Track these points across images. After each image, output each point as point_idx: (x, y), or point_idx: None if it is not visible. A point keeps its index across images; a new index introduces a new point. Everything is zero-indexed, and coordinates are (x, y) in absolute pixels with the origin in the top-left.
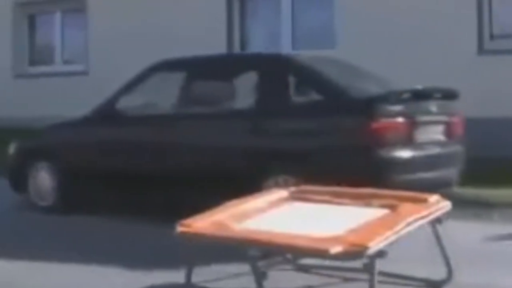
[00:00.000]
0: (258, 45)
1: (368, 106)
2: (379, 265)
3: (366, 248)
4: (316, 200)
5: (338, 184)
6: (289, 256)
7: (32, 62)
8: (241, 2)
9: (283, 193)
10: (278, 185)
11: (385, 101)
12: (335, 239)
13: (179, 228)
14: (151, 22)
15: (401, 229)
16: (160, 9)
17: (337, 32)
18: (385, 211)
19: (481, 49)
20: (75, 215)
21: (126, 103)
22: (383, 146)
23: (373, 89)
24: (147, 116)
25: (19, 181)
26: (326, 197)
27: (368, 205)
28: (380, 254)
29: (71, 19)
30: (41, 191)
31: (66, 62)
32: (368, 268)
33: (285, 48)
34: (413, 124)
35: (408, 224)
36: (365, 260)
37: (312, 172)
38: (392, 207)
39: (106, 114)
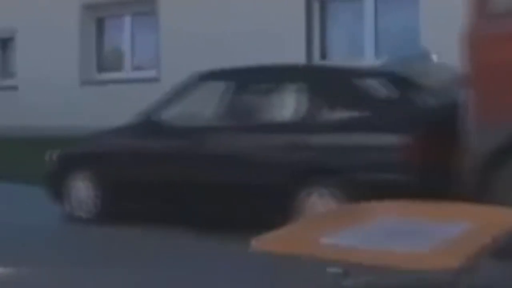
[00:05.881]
0: (338, 50)
1: (409, 125)
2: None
3: (453, 265)
4: (400, 216)
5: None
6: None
7: (100, 68)
8: (321, 5)
9: (365, 207)
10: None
11: (427, 119)
12: (421, 257)
13: (254, 244)
14: (226, 26)
15: (488, 244)
16: (235, 12)
17: (422, 37)
18: (471, 226)
19: None
20: (115, 226)
21: (170, 113)
22: (423, 164)
23: (423, 105)
24: (190, 127)
25: (59, 191)
26: (410, 212)
27: (455, 220)
28: (467, 270)
29: (141, 22)
30: (82, 201)
31: (136, 68)
32: (455, 285)
33: (368, 54)
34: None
35: (496, 239)
36: (451, 278)
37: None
38: (479, 222)
39: (149, 123)
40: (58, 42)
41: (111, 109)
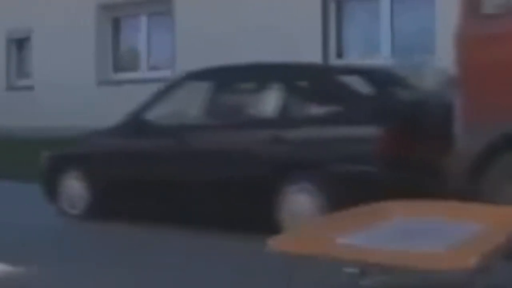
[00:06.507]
0: (354, 49)
1: (384, 118)
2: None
3: (469, 265)
4: (415, 216)
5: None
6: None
7: (116, 68)
8: (338, 5)
9: (380, 207)
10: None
11: (404, 115)
12: (437, 256)
13: (271, 244)
14: (242, 26)
15: (503, 243)
16: (251, 13)
17: (437, 38)
18: (486, 226)
19: None
20: (108, 223)
21: (158, 112)
22: (399, 157)
23: (402, 101)
24: (177, 126)
25: (52, 191)
26: (426, 212)
27: (469, 220)
28: (483, 270)
29: (157, 22)
30: (74, 200)
31: (152, 68)
32: (471, 285)
33: (384, 54)
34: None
35: (510, 239)
36: (467, 277)
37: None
38: (493, 222)
39: (137, 122)
40: (74, 42)
41: (127, 109)
